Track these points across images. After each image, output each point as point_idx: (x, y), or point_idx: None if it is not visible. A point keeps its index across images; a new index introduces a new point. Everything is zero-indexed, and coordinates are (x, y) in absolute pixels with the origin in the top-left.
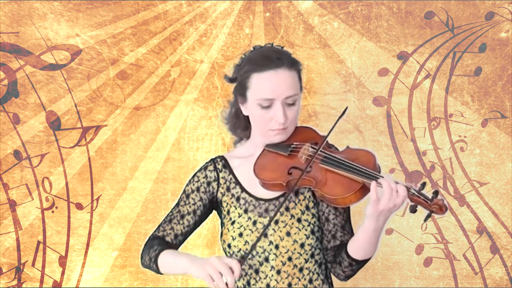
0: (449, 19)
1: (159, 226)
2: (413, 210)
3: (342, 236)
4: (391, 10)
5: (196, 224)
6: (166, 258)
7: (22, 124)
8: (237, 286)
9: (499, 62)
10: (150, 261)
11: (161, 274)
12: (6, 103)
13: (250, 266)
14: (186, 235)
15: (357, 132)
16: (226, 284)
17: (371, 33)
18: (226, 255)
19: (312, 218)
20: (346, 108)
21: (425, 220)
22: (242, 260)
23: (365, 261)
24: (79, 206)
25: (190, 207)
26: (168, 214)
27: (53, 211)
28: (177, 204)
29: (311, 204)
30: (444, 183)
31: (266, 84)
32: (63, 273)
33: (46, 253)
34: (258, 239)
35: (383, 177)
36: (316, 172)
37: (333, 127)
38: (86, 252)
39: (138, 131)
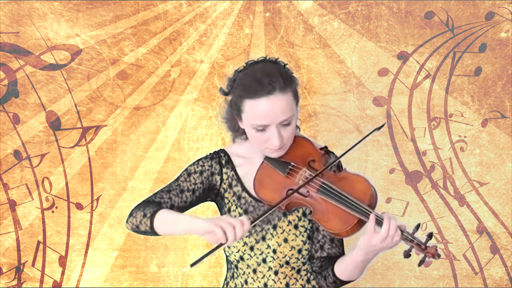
0: (449, 19)
1: (155, 193)
2: (407, 255)
3: (330, 249)
4: (391, 10)
5: (192, 204)
6: (166, 214)
7: (22, 124)
8: (235, 284)
9: (499, 62)
10: (143, 217)
11: (152, 233)
12: (6, 103)
13: (248, 266)
14: (181, 210)
15: (357, 132)
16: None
17: (371, 33)
18: (225, 254)
19: (309, 224)
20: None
21: (419, 265)
22: (252, 218)
23: (349, 281)
24: (79, 206)
25: (190, 185)
26: (166, 186)
27: (53, 211)
28: (177, 179)
29: (308, 211)
30: (444, 183)
31: (259, 111)
32: (63, 273)
33: (46, 253)
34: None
35: (379, 218)
36: (314, 200)
37: (339, 158)
38: (86, 252)
39: (138, 131)
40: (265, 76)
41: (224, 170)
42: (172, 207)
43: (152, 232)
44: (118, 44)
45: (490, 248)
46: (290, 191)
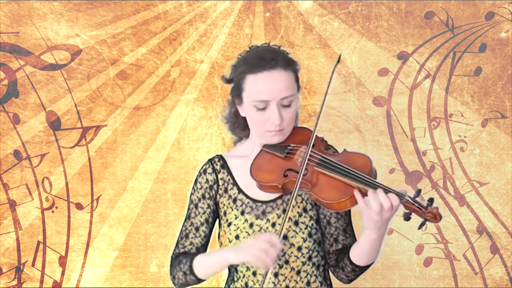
0: (449, 19)
1: (177, 244)
2: (407, 218)
3: (344, 240)
4: (391, 10)
5: (210, 230)
6: (201, 261)
7: (22, 124)
8: (235, 287)
9: (499, 62)
10: (185, 275)
11: (202, 281)
12: (6, 103)
13: (248, 268)
14: (206, 245)
15: (357, 132)
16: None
17: (371, 33)
18: None
19: (310, 220)
20: (340, 56)
21: (419, 228)
22: (277, 232)
23: (368, 266)
24: (79, 206)
25: (201, 216)
26: (182, 230)
27: (53, 211)
28: (188, 217)
29: (308, 206)
30: (444, 183)
31: (260, 85)
32: (63, 273)
33: (46, 253)
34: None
35: (377, 185)
36: (311, 175)
37: (322, 107)
38: (86, 252)
39: (138, 131)
40: (268, 53)
41: (219, 176)
42: (198, 250)
43: (202, 281)
44: (118, 44)
45: (490, 248)
46: (289, 171)
